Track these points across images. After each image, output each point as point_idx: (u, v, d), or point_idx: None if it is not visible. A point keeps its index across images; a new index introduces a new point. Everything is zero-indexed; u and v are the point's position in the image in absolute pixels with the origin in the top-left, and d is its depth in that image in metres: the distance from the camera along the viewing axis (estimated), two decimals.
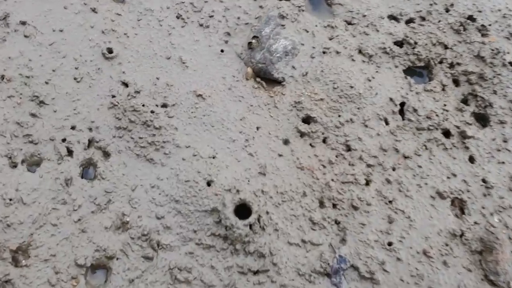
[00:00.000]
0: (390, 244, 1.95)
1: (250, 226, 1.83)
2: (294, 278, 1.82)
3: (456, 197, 2.08)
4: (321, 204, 2.01)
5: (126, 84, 2.15)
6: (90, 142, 2.01)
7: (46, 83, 2.08)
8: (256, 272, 1.82)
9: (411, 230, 1.98)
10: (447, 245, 1.96)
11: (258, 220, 1.86)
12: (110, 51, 2.21)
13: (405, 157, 2.18)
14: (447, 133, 2.24)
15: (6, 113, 1.98)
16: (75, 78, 2.12)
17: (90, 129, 2.02)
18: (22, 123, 1.96)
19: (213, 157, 1.99)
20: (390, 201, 2.05)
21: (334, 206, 2.01)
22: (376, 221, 2.00)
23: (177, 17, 2.39)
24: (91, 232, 1.81)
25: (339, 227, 1.97)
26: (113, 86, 2.14)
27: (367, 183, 2.10)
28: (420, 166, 2.15)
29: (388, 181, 2.10)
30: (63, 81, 2.10)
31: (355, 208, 2.00)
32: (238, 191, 1.87)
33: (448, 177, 2.12)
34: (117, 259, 1.77)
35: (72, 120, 2.03)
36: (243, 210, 1.86)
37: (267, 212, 1.89)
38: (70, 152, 1.97)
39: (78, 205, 1.84)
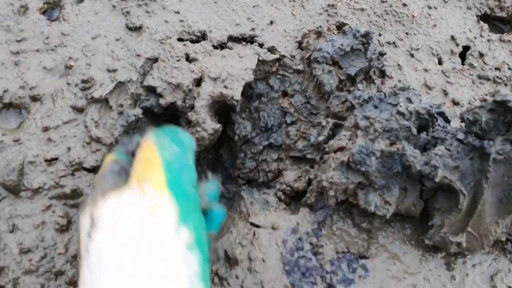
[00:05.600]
0: None
1: None
2: None
3: None
4: None
5: None
6: None
7: None
8: None
9: None
10: None
11: None
12: None
13: (455, 104, 1.64)
14: None
15: None
16: None
17: None
18: None
19: (203, 33, 1.55)
20: None
21: None
22: None
23: None
24: (25, 68, 1.40)
25: None
26: None
27: None
28: None
29: None
30: None
31: None
32: None
33: None
34: (42, 103, 1.35)
35: None
36: None
37: None
38: None
39: (22, 37, 1.45)
